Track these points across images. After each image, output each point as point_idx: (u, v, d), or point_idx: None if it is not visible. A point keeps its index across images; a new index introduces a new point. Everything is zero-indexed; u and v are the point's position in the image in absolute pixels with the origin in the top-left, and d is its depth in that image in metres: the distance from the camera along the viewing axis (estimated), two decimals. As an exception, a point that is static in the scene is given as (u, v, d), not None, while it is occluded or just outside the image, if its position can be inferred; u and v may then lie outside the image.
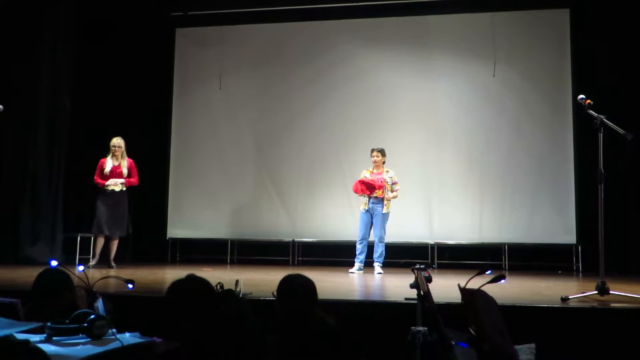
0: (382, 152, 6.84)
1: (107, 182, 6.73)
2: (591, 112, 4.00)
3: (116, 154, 6.82)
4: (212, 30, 8.86)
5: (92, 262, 6.61)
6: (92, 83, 8.10)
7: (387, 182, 6.74)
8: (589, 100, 4.06)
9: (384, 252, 6.69)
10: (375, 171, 6.86)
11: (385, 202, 6.70)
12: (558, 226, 7.64)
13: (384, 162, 6.86)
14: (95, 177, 6.76)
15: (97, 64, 8.12)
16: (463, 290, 2.27)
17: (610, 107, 4.54)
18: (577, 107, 7.05)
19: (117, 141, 6.85)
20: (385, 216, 6.72)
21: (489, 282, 2.38)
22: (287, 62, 8.57)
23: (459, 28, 8.16)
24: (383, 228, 6.70)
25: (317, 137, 8.35)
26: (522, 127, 7.88)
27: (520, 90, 7.93)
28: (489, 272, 2.42)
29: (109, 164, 6.79)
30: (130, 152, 7.07)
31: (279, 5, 8.43)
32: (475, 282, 2.36)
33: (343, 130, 8.31)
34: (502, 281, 2.40)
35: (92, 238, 6.74)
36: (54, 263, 2.72)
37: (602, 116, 3.94)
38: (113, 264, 6.74)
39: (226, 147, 8.61)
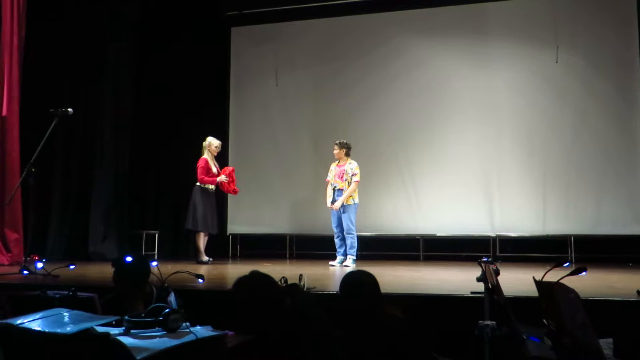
0: (339, 145, 6.88)
1: (218, 178, 6.89)
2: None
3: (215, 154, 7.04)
4: (267, 27, 8.95)
5: (206, 258, 6.68)
6: (152, 85, 8.31)
7: (347, 173, 6.74)
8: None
9: (354, 244, 6.67)
10: (340, 163, 6.89)
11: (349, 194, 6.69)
12: (627, 216, 7.31)
13: (346, 154, 6.87)
14: (204, 177, 6.77)
15: (156, 67, 8.32)
16: (540, 284, 2.20)
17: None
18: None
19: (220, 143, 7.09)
20: (349, 207, 6.71)
21: (569, 275, 2.28)
22: (342, 56, 8.55)
23: (519, 14, 7.91)
24: (349, 219, 6.69)
25: (373, 130, 8.29)
26: (587, 114, 7.57)
27: (585, 75, 7.62)
28: (567, 264, 2.33)
29: (211, 164, 6.92)
30: (190, 151, 7.24)
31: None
32: (551, 275, 2.27)
33: (400, 124, 8.22)
34: (583, 273, 2.30)
35: (194, 235, 6.80)
36: (128, 259, 2.81)
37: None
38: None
39: (283, 143, 8.69)
